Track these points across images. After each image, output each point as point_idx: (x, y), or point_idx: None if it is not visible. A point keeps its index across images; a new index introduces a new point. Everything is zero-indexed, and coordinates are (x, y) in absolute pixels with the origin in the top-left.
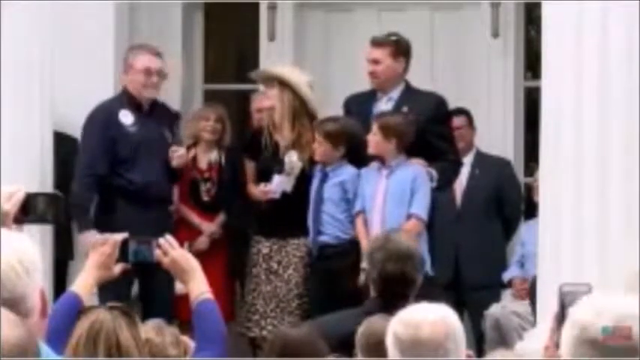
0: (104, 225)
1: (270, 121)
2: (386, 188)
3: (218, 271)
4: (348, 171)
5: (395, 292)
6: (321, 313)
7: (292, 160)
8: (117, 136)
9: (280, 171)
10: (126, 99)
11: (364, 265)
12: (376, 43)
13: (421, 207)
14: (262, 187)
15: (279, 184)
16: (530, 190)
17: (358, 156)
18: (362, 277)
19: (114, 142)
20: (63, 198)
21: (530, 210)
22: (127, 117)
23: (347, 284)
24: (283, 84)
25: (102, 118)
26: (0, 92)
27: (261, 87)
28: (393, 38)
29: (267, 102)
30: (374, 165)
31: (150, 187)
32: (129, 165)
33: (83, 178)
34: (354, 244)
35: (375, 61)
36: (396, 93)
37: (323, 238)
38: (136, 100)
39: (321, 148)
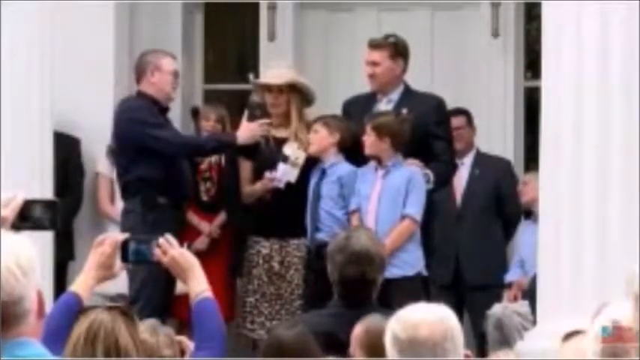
0: (146, 223)
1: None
2: (381, 188)
3: (219, 271)
4: (344, 167)
5: (356, 294)
6: None
7: (295, 149)
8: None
9: (285, 160)
10: (149, 102)
11: None
12: (374, 45)
13: (415, 208)
14: (267, 174)
15: (284, 174)
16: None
17: (357, 156)
18: None
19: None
20: (60, 204)
21: (530, 210)
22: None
23: None
24: (291, 87)
25: (146, 109)
26: (0, 92)
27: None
28: (391, 40)
29: (276, 109)
30: (371, 165)
31: (185, 185)
32: (167, 162)
33: (175, 141)
34: None
35: (374, 63)
36: (395, 95)
37: (320, 236)
38: (159, 103)
39: (317, 136)
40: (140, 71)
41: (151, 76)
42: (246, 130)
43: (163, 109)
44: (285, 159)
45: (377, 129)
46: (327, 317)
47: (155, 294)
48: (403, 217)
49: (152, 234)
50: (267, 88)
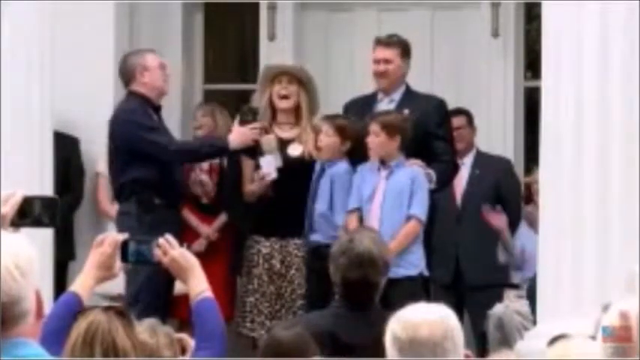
0: (143, 224)
1: (270, 118)
2: (385, 189)
3: (219, 270)
4: (340, 167)
5: (359, 296)
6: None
7: (268, 137)
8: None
9: (261, 153)
10: (143, 103)
11: None
12: (385, 43)
13: (420, 208)
14: (256, 176)
15: (268, 164)
16: (530, 188)
17: (360, 156)
18: None
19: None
20: (60, 201)
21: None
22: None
23: None
24: (301, 82)
25: (141, 111)
26: (0, 92)
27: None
28: (399, 39)
29: (283, 103)
30: (369, 164)
31: (180, 184)
32: (160, 163)
33: (171, 148)
34: None
35: (387, 61)
36: (397, 95)
37: (315, 237)
38: (151, 101)
39: (329, 140)
40: (129, 75)
41: (142, 77)
42: (238, 134)
43: (156, 108)
44: (261, 152)
45: (388, 127)
46: (328, 317)
47: (155, 294)
48: (409, 217)
49: (149, 235)
50: (276, 78)
